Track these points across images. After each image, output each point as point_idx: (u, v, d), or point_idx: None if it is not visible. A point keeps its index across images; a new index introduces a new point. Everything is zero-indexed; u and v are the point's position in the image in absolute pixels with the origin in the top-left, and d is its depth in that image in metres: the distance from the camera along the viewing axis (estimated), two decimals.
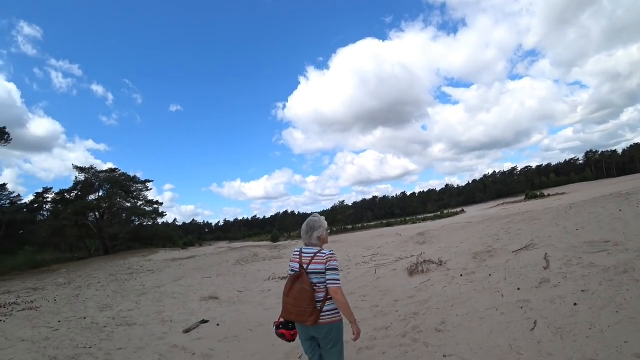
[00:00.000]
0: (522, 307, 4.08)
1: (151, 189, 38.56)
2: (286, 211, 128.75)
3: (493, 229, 10.97)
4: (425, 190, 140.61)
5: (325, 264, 2.43)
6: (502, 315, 3.98)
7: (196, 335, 5.78)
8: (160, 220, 41.27)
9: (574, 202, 12.74)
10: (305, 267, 2.48)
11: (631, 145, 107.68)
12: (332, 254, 2.49)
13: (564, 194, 48.31)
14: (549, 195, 56.42)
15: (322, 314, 2.41)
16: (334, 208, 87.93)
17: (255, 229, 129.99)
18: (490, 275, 5.84)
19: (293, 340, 2.63)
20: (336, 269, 2.44)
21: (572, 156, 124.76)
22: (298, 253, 2.61)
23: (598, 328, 3.27)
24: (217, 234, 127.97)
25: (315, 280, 2.44)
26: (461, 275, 6.27)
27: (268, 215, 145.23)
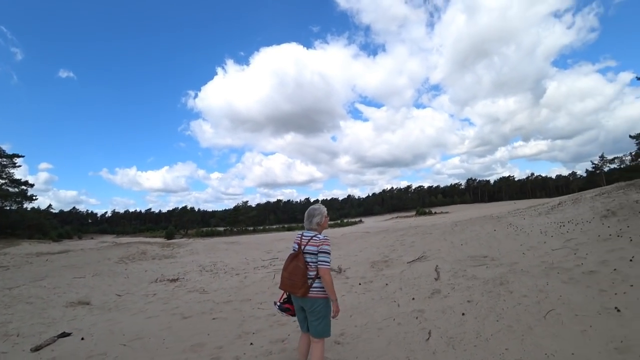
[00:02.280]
0: (417, 317, 4.18)
1: (20, 166, 31.81)
2: (185, 207, 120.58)
3: (389, 240, 11.60)
4: (328, 199, 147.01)
5: (318, 247, 2.79)
6: (399, 326, 4.01)
7: (49, 355, 4.58)
8: (28, 205, 34.50)
9: (458, 220, 14.28)
10: (302, 248, 2.86)
11: (500, 178, 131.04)
12: (325, 239, 2.85)
13: (448, 213, 54.94)
14: (435, 213, 63.56)
15: (311, 289, 2.77)
16: (236, 208, 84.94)
17: (149, 223, 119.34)
18: (387, 284, 5.99)
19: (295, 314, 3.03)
20: (327, 253, 2.79)
21: (457, 181, 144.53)
22: (300, 236, 3.00)
23: (483, 337, 3.45)
24: (102, 226, 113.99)
25: (308, 260, 2.82)
26: (360, 284, 6.33)
27: (165, 210, 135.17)
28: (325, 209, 3.09)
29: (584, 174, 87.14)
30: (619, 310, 3.73)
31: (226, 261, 14.58)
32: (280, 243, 20.46)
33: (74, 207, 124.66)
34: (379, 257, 8.81)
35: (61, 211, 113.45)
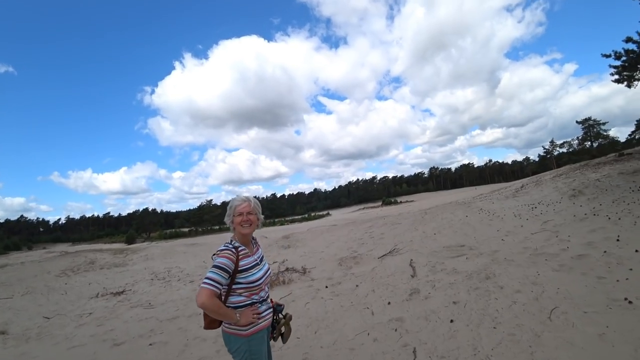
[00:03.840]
0: (396, 330, 3.37)
1: None
2: (147, 209, 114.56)
3: (357, 233, 10.88)
4: (295, 193, 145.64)
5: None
6: (375, 343, 3.18)
7: None
8: None
9: (428, 208, 13.82)
10: None
11: (461, 165, 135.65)
12: (222, 249, 1.92)
13: (413, 202, 55.65)
14: (401, 202, 64.43)
15: (224, 322, 1.94)
16: (201, 207, 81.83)
17: (108, 228, 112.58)
18: (357, 286, 5.18)
19: None
20: (216, 267, 1.83)
21: (420, 170, 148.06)
22: None
23: (483, 353, 2.70)
24: (56, 234, 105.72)
25: None
26: (326, 287, 5.48)
27: (125, 213, 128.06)
28: (243, 201, 2.05)
29: (537, 159, 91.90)
30: (630, 302, 3.14)
31: (182, 266, 13.29)
32: None
33: (22, 216, 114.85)
34: (347, 252, 8.03)
35: (7, 220, 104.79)
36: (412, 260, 5.82)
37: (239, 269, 1.89)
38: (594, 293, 3.44)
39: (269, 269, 2.17)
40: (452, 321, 3.30)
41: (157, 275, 11.89)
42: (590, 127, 51.46)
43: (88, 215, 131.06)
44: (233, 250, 1.90)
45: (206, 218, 76.04)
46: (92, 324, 6.60)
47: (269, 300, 2.12)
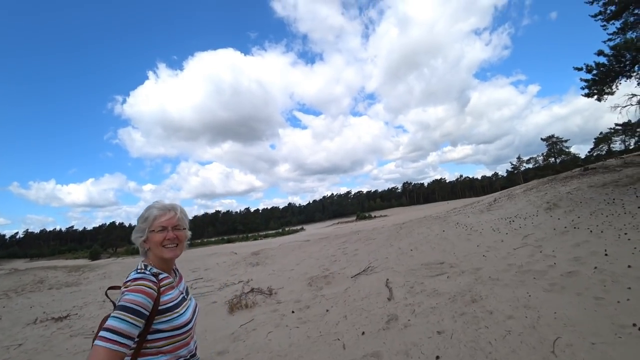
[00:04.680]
0: None
1: None
2: (114, 223, 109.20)
3: (330, 249, 10.27)
4: (269, 208, 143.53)
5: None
6: None
7: None
8: None
9: (403, 223, 13.41)
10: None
11: (433, 180, 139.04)
12: (135, 277, 1.21)
13: (387, 216, 55.79)
14: (375, 216, 64.52)
15: None
16: None
17: (71, 243, 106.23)
18: (327, 310, 4.55)
19: None
20: (124, 308, 1.10)
21: (393, 185, 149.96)
22: None
23: None
24: (12, 249, 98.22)
25: None
26: (293, 312, 4.81)
27: (90, 227, 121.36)
28: (165, 211, 1.38)
29: (505, 174, 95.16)
30: None
31: None
32: (211, 258, 18.12)
33: None
34: (319, 271, 7.39)
35: None
36: (388, 280, 5.26)
37: (161, 307, 1.21)
38: (596, 318, 2.99)
39: (197, 305, 1.48)
40: (438, 358, 2.73)
41: (110, 297, 10.76)
42: (554, 144, 53.83)
43: (49, 229, 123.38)
44: (153, 279, 1.23)
45: None
46: (18, 358, 5.60)
47: (198, 355, 1.41)
